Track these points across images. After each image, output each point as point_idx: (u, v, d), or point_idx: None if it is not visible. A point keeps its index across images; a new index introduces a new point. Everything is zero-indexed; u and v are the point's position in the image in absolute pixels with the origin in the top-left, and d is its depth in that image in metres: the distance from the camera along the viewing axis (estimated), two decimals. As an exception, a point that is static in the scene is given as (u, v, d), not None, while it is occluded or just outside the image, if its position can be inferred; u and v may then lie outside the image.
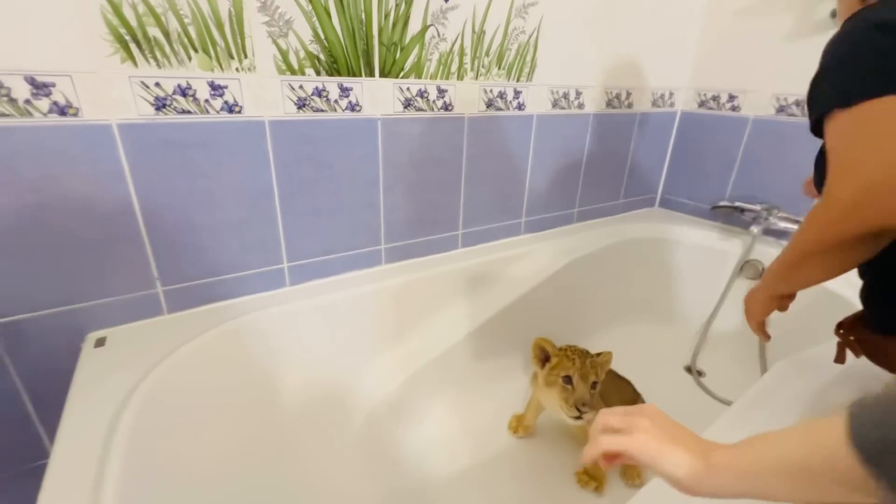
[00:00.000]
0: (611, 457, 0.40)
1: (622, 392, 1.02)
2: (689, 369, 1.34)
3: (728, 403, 1.19)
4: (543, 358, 0.90)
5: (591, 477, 0.93)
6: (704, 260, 1.42)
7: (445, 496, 0.92)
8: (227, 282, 0.89)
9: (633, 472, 0.95)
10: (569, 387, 0.83)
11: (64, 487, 0.51)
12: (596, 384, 0.84)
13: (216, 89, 0.76)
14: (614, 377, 1.04)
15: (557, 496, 0.94)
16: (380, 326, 1.04)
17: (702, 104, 1.47)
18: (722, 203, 1.40)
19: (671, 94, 1.49)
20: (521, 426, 1.07)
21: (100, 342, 0.76)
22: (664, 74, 1.43)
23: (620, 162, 1.48)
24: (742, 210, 1.36)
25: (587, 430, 0.88)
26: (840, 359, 0.65)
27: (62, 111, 0.66)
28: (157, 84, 0.71)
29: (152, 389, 0.66)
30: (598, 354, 0.89)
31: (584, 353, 0.87)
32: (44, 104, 0.64)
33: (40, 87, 0.63)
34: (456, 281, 1.14)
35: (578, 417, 0.80)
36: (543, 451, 1.04)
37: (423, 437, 1.03)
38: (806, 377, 0.76)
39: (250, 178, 0.84)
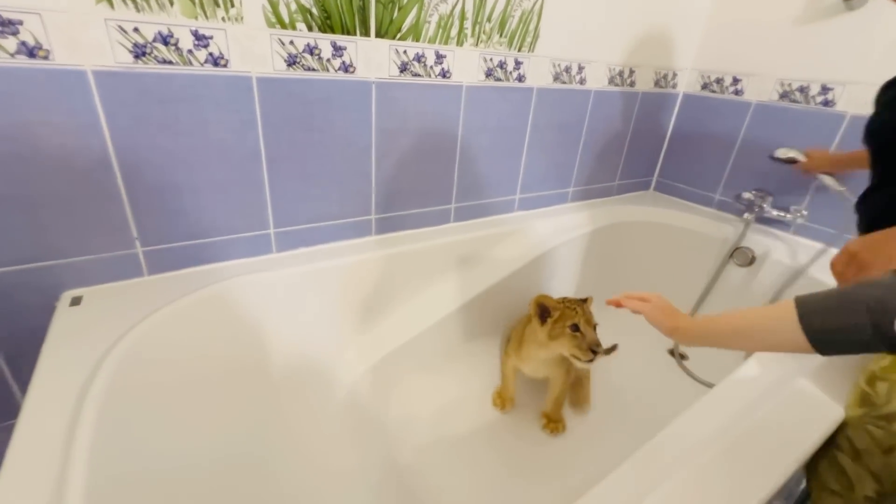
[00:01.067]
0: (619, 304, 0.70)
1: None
2: (671, 352, 1.35)
3: (709, 386, 1.20)
4: (543, 314, 0.92)
5: (554, 421, 1.04)
6: (696, 245, 1.42)
7: (427, 468, 0.92)
8: (210, 245, 0.86)
9: (580, 400, 1.10)
10: (577, 334, 0.86)
11: (32, 447, 0.49)
12: (596, 326, 0.89)
13: (200, 39, 0.71)
14: None
15: (534, 456, 0.95)
16: (368, 298, 1.03)
17: (705, 86, 1.45)
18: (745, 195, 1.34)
19: (674, 75, 1.45)
20: (506, 400, 1.08)
21: (75, 301, 0.74)
22: (668, 54, 1.39)
23: (619, 142, 1.45)
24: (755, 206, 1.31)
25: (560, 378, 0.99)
26: None
27: (31, 53, 0.61)
28: (136, 29, 0.66)
29: (130, 350, 0.64)
30: (585, 300, 0.94)
31: (579, 302, 0.92)
32: (10, 43, 0.60)
33: (6, 25, 0.59)
34: (447, 255, 1.13)
35: (592, 360, 0.84)
36: (525, 418, 1.06)
37: (406, 410, 1.03)
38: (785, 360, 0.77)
39: (236, 137, 0.80)
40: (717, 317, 0.57)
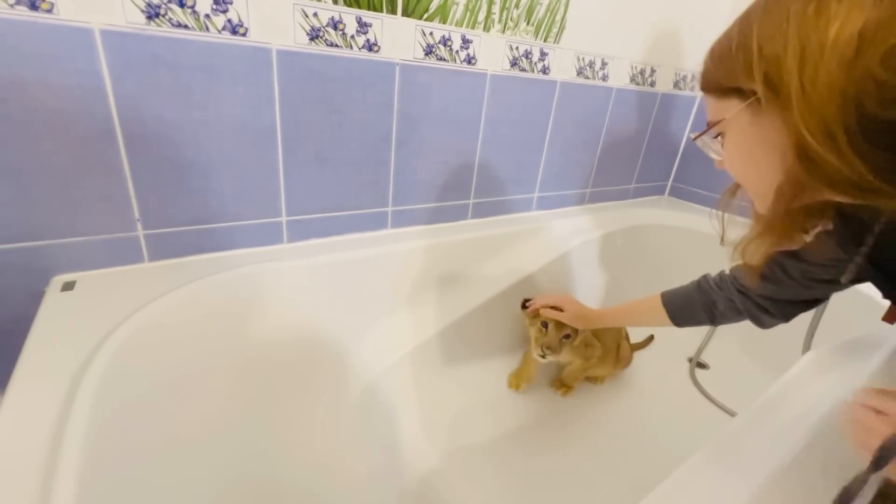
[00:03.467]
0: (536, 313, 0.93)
1: (616, 331, 1.10)
2: (696, 363, 1.30)
3: (715, 402, 1.14)
4: (525, 301, 0.99)
5: (566, 386, 1.09)
6: (715, 250, 1.38)
7: (449, 474, 0.85)
8: (217, 231, 0.79)
9: (564, 388, 1.10)
10: (544, 330, 0.92)
11: (16, 446, 0.42)
12: (568, 336, 0.91)
13: (219, 3, 0.66)
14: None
15: (561, 462, 0.88)
16: (383, 294, 0.96)
17: (723, 90, 1.42)
18: None
19: (693, 77, 1.43)
20: (521, 380, 1.07)
21: (68, 286, 0.66)
22: (689, 55, 1.37)
23: (637, 144, 1.42)
24: None
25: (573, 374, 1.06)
26: (889, 318, 0.64)
27: (33, 4, 0.55)
28: (151, -13, 0.61)
29: (129, 339, 0.57)
30: (560, 308, 0.95)
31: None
32: (10, -9, 0.54)
33: (7, -31, 0.53)
34: (464, 252, 1.07)
35: (542, 356, 0.91)
36: (552, 424, 0.99)
37: (426, 411, 0.96)
38: (841, 369, 0.72)
39: (252, 114, 0.74)
40: (612, 310, 0.90)
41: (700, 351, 1.32)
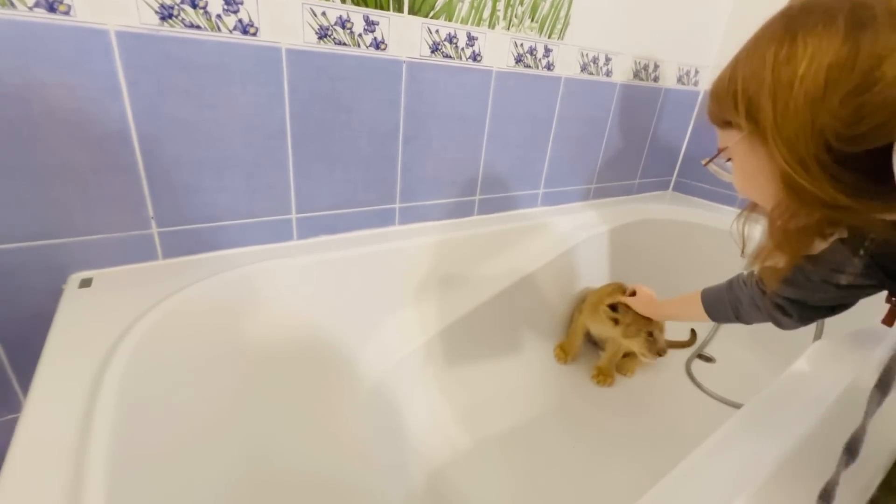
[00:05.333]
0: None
1: None
2: (699, 356, 1.30)
3: (716, 398, 1.15)
4: (615, 319, 1.04)
5: (606, 375, 1.15)
6: (721, 244, 1.38)
7: (460, 471, 0.86)
8: (229, 228, 0.80)
9: (627, 367, 1.20)
10: (651, 338, 1.01)
11: (39, 446, 0.42)
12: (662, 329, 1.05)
13: (230, 4, 0.67)
14: None
15: (572, 459, 0.89)
16: (393, 290, 0.98)
17: (726, 84, 1.42)
18: None
19: (696, 72, 1.43)
20: (568, 353, 1.18)
21: (85, 283, 0.68)
22: (692, 50, 1.37)
23: (641, 139, 1.42)
24: None
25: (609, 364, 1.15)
26: (888, 321, 0.63)
27: (51, 6, 0.56)
28: (164, -11, 0.62)
29: (146, 334, 0.58)
30: (634, 293, 1.05)
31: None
32: (30, -6, 0.55)
33: (26, -27, 0.54)
34: (470, 249, 1.08)
35: (659, 355, 1.01)
36: (562, 419, 1.00)
37: (435, 408, 0.97)
38: (848, 358, 0.72)
39: (263, 112, 0.75)
40: (670, 301, 0.95)
41: (704, 344, 1.33)
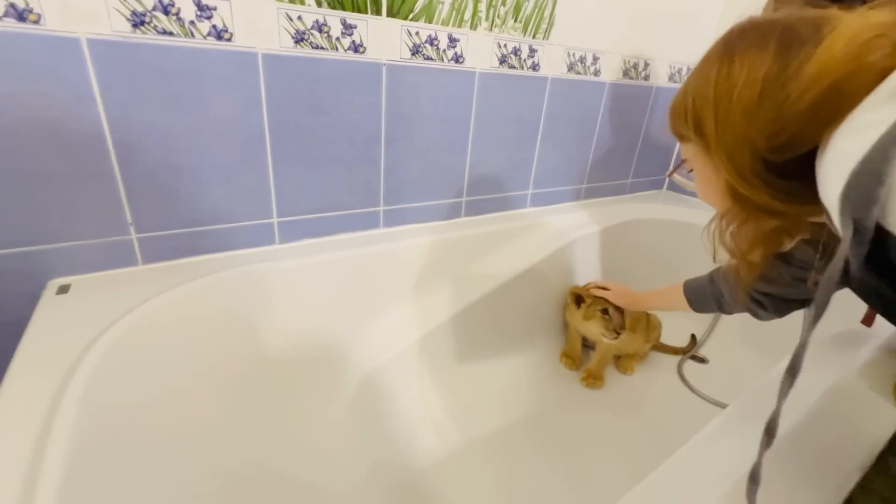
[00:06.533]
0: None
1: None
2: (692, 357, 1.29)
3: (701, 395, 1.13)
4: (578, 299, 1.08)
5: (595, 377, 1.13)
6: (714, 243, 1.37)
7: (443, 474, 0.86)
8: (209, 234, 0.81)
9: (626, 365, 1.19)
10: (606, 317, 1.01)
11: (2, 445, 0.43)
12: (622, 309, 1.02)
13: (203, 10, 0.67)
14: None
15: (558, 464, 0.89)
16: (377, 293, 0.97)
17: (719, 82, 1.41)
18: None
19: (688, 70, 1.42)
20: (573, 358, 1.18)
21: (63, 289, 0.68)
22: (683, 47, 1.36)
23: (633, 138, 1.41)
24: None
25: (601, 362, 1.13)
26: (867, 321, 0.70)
27: (21, 16, 0.57)
28: (135, -4, 0.62)
29: (119, 339, 0.59)
30: (607, 288, 1.06)
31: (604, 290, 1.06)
32: (-2, 5, 0.55)
33: (-7, -17, 0.54)
34: (459, 250, 1.07)
35: (616, 337, 1.00)
36: (548, 422, 0.99)
37: (420, 412, 0.96)
38: (832, 361, 0.71)
39: (240, 117, 0.76)
40: (650, 293, 0.98)
41: (699, 346, 1.31)
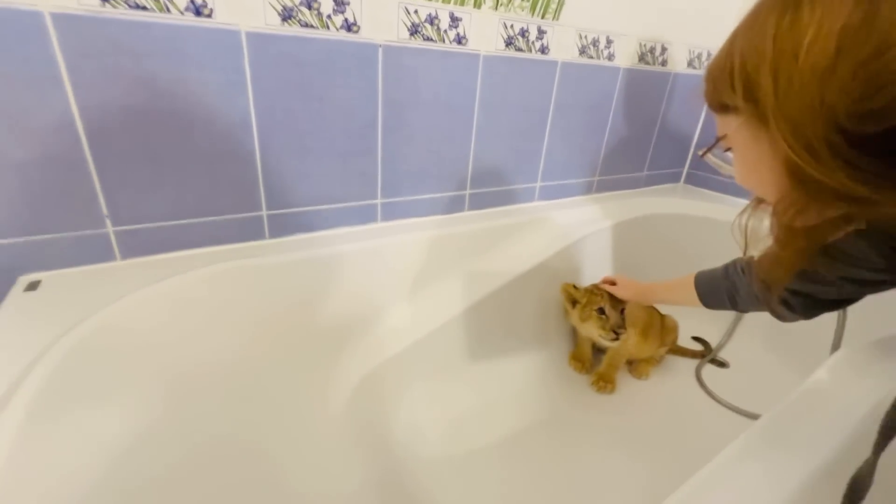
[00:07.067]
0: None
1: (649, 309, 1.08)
2: (711, 360, 1.21)
3: (728, 406, 1.05)
4: (572, 300, 1.01)
5: (606, 381, 1.05)
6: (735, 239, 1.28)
7: (437, 486, 0.80)
8: (192, 227, 0.76)
9: (641, 370, 1.11)
10: (603, 317, 0.93)
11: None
12: (623, 308, 0.94)
13: (180, -17, 0.62)
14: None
15: (557, 475, 0.82)
16: (370, 293, 0.92)
17: (742, 68, 1.32)
18: None
19: (709, 55, 1.33)
20: (583, 361, 1.11)
21: (32, 286, 0.64)
22: (703, 31, 1.27)
23: (648, 128, 1.33)
24: None
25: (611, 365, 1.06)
26: None
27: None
28: (103, -34, 0.57)
29: (81, 342, 0.54)
30: (614, 282, 0.99)
31: (602, 289, 0.97)
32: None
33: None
34: (462, 246, 1.01)
35: (616, 339, 0.92)
36: (545, 432, 0.93)
37: (414, 422, 0.91)
38: (874, 370, 0.63)
39: (223, 102, 0.70)
40: (659, 284, 0.91)
41: (719, 348, 1.23)
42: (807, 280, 0.55)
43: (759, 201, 0.43)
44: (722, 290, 0.73)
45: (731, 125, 0.36)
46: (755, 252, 0.44)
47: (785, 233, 0.37)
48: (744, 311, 0.73)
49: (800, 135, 0.28)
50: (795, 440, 0.51)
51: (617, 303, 0.95)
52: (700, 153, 0.44)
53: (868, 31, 0.25)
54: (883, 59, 0.24)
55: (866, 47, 0.25)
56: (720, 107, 0.37)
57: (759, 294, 0.62)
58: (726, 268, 0.73)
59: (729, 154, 0.41)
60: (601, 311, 0.94)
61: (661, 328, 1.09)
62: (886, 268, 0.48)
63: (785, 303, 0.60)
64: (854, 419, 0.55)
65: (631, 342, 1.01)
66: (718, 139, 0.39)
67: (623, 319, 0.94)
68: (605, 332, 0.93)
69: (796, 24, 0.28)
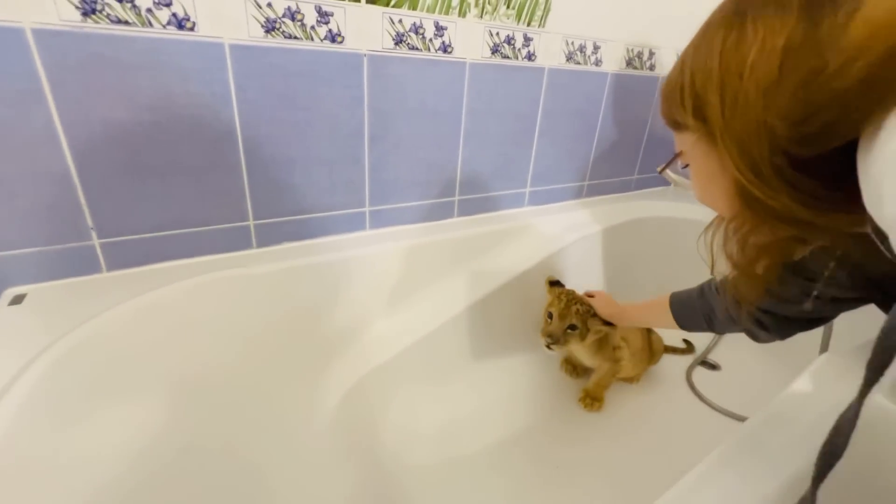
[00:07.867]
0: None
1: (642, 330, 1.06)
2: (702, 362, 1.22)
3: (719, 410, 1.06)
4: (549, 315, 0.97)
5: (593, 398, 1.03)
6: (725, 243, 1.29)
7: (428, 494, 0.80)
8: (178, 238, 0.76)
9: (590, 401, 1.04)
10: (549, 320, 0.91)
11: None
12: (574, 327, 0.89)
13: (161, -3, 0.62)
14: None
15: (550, 482, 0.82)
16: (359, 301, 0.92)
17: (730, 71, 1.33)
18: None
19: (697, 59, 1.34)
20: (577, 366, 1.10)
21: (17, 299, 0.64)
22: (691, 34, 1.28)
23: (638, 132, 1.34)
24: None
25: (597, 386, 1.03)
26: None
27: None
28: (84, -19, 0.57)
29: (63, 356, 0.54)
30: (592, 296, 0.95)
31: (574, 300, 0.92)
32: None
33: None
34: (450, 253, 1.01)
35: (548, 347, 0.89)
36: (542, 439, 0.93)
37: (404, 428, 0.91)
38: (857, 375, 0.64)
39: (208, 114, 0.70)
40: (634, 306, 0.87)
41: (708, 350, 1.24)
42: (775, 299, 0.54)
43: (723, 218, 0.43)
44: (698, 311, 0.70)
45: (686, 141, 0.36)
46: (722, 269, 0.44)
47: (740, 251, 0.37)
48: (720, 333, 0.70)
49: (746, 155, 0.28)
50: (773, 447, 0.51)
51: (568, 316, 0.88)
52: (658, 169, 0.44)
53: (808, 50, 0.24)
54: (819, 78, 0.24)
55: (805, 66, 0.25)
56: (674, 124, 0.37)
57: (732, 312, 0.61)
58: (702, 288, 0.71)
59: (687, 170, 0.41)
60: (549, 315, 0.91)
61: (649, 350, 1.07)
62: (849, 283, 0.47)
63: (758, 322, 0.59)
64: (831, 425, 0.55)
65: (624, 363, 0.99)
66: (676, 155, 0.40)
67: (565, 335, 0.88)
68: (542, 337, 0.90)
69: (741, 42, 0.28)
